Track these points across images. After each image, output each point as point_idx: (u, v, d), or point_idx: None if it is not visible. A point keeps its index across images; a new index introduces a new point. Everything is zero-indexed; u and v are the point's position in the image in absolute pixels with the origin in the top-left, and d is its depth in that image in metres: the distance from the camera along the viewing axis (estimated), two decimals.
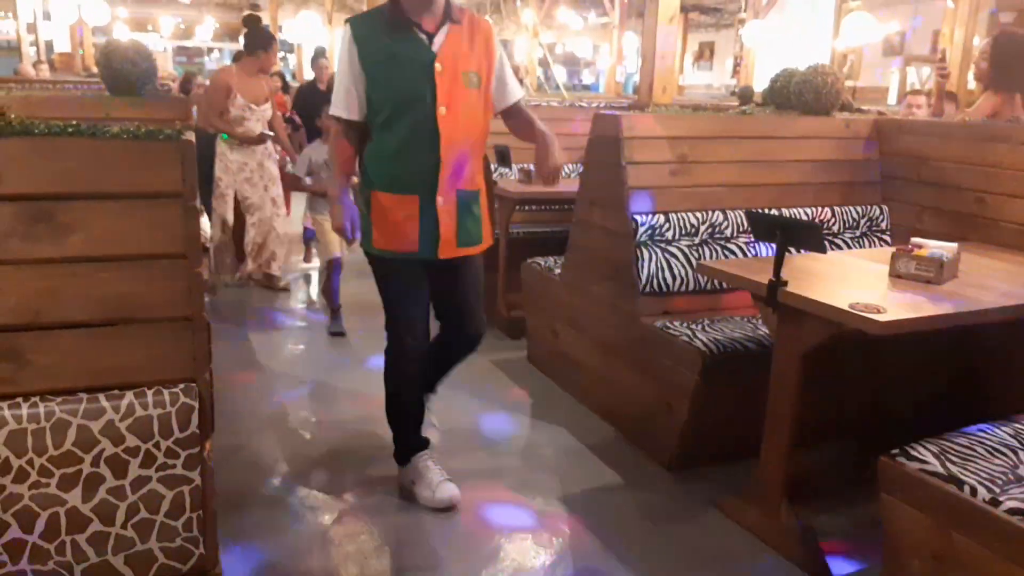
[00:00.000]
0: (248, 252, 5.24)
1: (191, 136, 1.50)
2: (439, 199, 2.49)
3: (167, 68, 16.11)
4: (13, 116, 1.39)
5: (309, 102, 6.59)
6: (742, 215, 3.26)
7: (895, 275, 2.55)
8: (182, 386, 1.43)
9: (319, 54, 7.91)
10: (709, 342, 2.81)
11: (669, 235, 3.20)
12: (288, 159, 5.47)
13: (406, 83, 2.42)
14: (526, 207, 4.63)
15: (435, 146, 2.43)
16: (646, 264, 3.12)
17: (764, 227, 2.59)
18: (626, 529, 2.61)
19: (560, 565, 2.41)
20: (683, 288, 3.19)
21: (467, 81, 2.48)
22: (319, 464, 2.97)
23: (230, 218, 5.17)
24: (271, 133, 5.07)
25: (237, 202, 5.17)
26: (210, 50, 23.80)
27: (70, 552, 1.36)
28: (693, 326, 2.97)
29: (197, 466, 1.42)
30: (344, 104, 2.49)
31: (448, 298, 2.72)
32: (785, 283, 2.34)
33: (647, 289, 3.13)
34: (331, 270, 4.42)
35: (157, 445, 1.39)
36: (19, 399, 1.36)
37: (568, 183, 4.33)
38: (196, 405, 1.42)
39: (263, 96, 5.03)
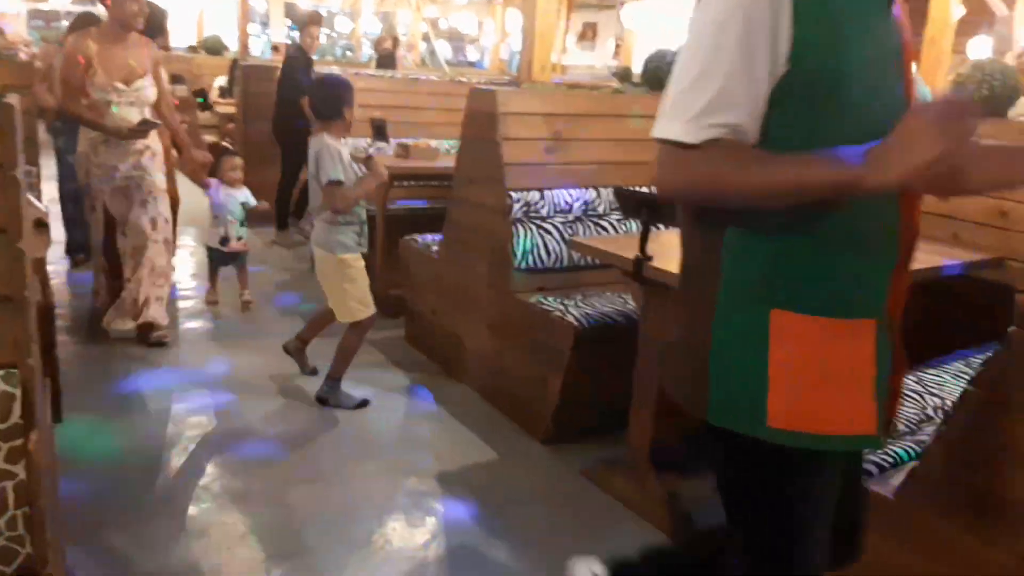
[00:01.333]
0: (124, 294, 3.71)
1: (14, 99, 1.36)
2: (893, 316, 1.28)
3: (21, 33, 14.81)
4: None
5: (294, 77, 5.49)
6: (613, 193, 3.32)
7: None
8: (1, 372, 1.31)
9: (313, 20, 5.95)
10: (581, 317, 2.85)
11: (544, 212, 3.22)
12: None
13: (879, 72, 1.19)
14: (404, 183, 4.55)
15: (895, 198, 1.20)
16: (521, 241, 3.13)
17: (631, 204, 2.64)
18: (499, 504, 2.62)
19: (433, 543, 2.40)
20: (558, 264, 3.22)
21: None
22: (178, 453, 2.83)
23: (98, 240, 3.88)
24: (156, 122, 3.70)
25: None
26: (70, 14, 22.03)
27: None
28: (567, 301, 3.01)
29: (21, 459, 1.30)
30: (736, 98, 1.13)
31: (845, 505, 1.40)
32: (650, 258, 2.40)
33: (523, 265, 3.14)
34: (362, 331, 3.26)
35: None
36: None
37: (446, 159, 4.30)
38: (18, 393, 1.30)
39: (139, 69, 3.62)
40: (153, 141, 3.74)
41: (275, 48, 11.80)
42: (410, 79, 5.83)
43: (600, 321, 2.86)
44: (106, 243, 3.85)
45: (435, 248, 3.74)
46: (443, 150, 4.56)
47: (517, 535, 2.45)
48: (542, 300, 3.03)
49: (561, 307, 2.94)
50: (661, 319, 2.47)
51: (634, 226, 3.31)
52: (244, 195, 4.30)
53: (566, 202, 3.26)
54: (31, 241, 1.47)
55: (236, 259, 4.35)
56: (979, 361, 2.53)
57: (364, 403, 3.25)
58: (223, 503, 2.52)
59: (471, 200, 3.42)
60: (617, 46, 12.88)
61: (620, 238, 3.12)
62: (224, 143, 4.97)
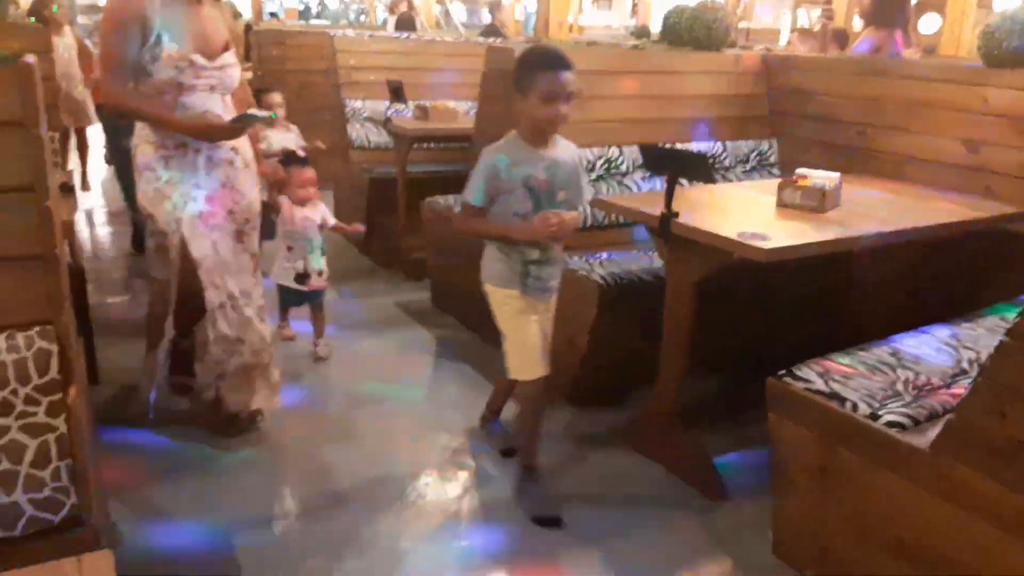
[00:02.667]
0: (205, 365, 2.59)
1: (31, 59, 1.35)
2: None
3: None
4: None
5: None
6: (637, 150, 3.27)
7: (781, 205, 2.62)
8: (38, 329, 1.32)
9: None
10: (606, 275, 2.83)
11: None
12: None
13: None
14: (423, 145, 4.52)
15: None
16: None
17: (655, 159, 2.61)
18: None
19: (465, 498, 2.42)
20: (582, 224, 3.18)
21: None
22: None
23: (167, 280, 2.65)
24: (262, 114, 2.56)
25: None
26: None
27: None
28: (591, 260, 2.99)
29: (61, 413, 1.32)
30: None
31: None
32: (676, 214, 2.37)
33: None
34: (527, 401, 2.45)
35: (15, 392, 1.28)
36: None
37: (466, 120, 4.26)
38: (54, 348, 1.31)
39: (218, 39, 2.48)
40: (243, 144, 2.58)
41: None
42: (427, 41, 5.76)
43: (625, 279, 2.84)
44: (182, 310, 2.66)
45: (457, 209, 3.71)
46: (462, 111, 4.51)
47: (547, 489, 2.46)
48: (567, 260, 3.01)
49: (586, 266, 2.92)
50: (688, 274, 2.44)
51: (658, 184, 3.28)
52: (321, 213, 3.24)
53: (588, 161, 3.22)
54: (57, 202, 1.47)
55: (314, 298, 3.32)
56: (1014, 314, 2.49)
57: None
58: (259, 458, 2.55)
59: None
60: (634, 5, 12.67)
61: (644, 195, 3.08)
62: (294, 149, 3.79)
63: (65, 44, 5.89)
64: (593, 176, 3.24)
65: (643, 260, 3.03)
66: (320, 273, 3.25)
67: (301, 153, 3.59)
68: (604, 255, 3.08)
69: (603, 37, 9.02)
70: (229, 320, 2.49)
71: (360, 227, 3.51)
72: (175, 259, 2.48)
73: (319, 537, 2.20)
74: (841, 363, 2.16)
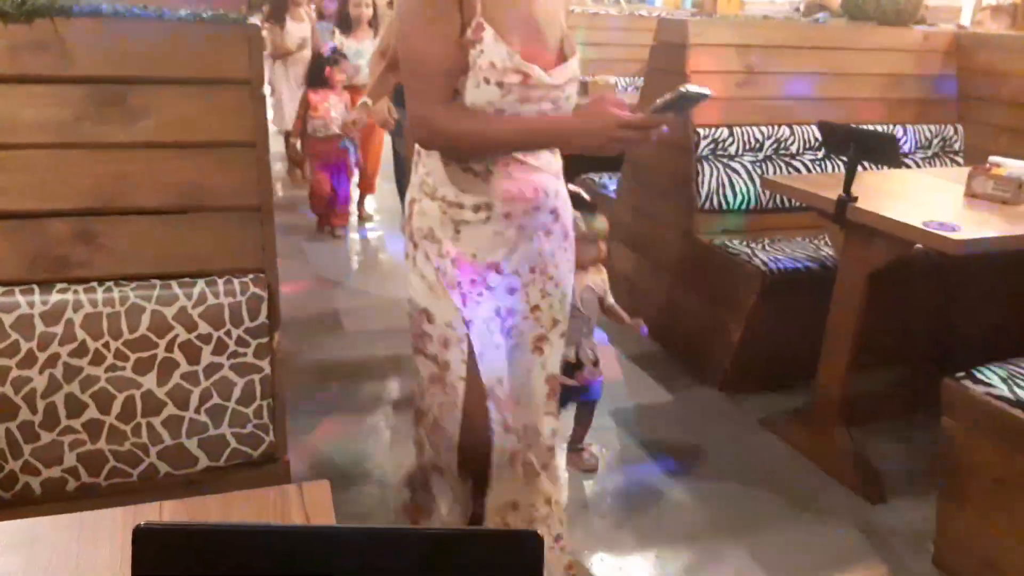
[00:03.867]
0: None
1: (256, 19, 1.45)
2: None
3: None
4: None
5: None
6: (810, 130, 3.13)
7: (970, 195, 2.44)
8: (251, 276, 1.43)
9: None
10: (769, 261, 2.75)
11: (732, 150, 3.09)
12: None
13: None
14: None
15: None
16: (707, 180, 3.03)
17: (837, 138, 2.49)
18: (675, 445, 2.61)
19: (609, 478, 2.44)
20: (744, 206, 3.10)
21: None
22: (377, 365, 3.01)
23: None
24: (701, 89, 1.46)
25: None
26: None
27: (146, 434, 1.39)
28: (753, 245, 2.90)
29: (267, 356, 1.43)
30: None
31: None
32: (855, 199, 2.26)
33: (706, 206, 3.05)
34: None
35: (228, 333, 1.40)
36: (94, 283, 1.38)
37: (627, 96, 4.21)
38: (265, 296, 1.42)
39: (556, 34, 1.54)
40: (565, 204, 1.72)
41: None
42: (589, 14, 5.72)
43: (790, 267, 2.74)
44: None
45: (612, 187, 3.70)
46: (620, 87, 4.47)
47: (693, 476, 2.44)
48: (727, 243, 2.94)
49: (747, 251, 2.84)
50: (863, 264, 2.33)
51: (830, 166, 3.13)
52: (603, 280, 2.40)
53: (756, 140, 3.12)
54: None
55: (585, 395, 2.45)
56: None
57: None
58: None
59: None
60: None
61: (818, 177, 2.95)
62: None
63: (297, 30, 5.40)
64: (760, 156, 3.13)
65: (808, 247, 2.91)
66: (595, 363, 2.41)
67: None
68: (766, 240, 2.98)
69: (768, 12, 8.63)
70: (515, 475, 1.72)
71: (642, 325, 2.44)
72: (455, 386, 1.64)
73: None
74: None
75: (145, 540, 0.53)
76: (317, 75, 4.41)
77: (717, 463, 2.53)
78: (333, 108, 4.34)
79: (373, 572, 0.53)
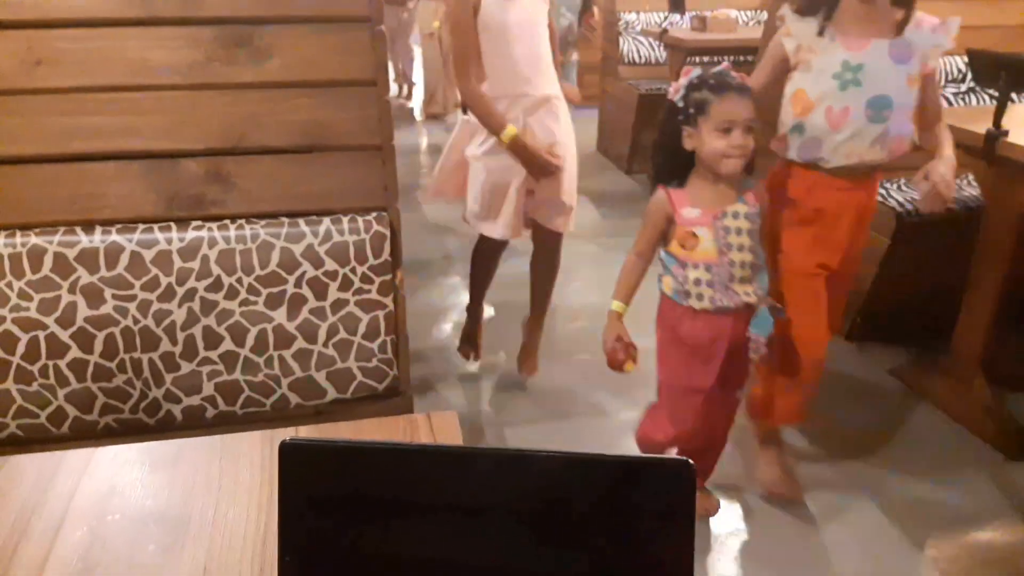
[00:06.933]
0: None
1: None
2: None
3: None
4: None
5: None
6: (953, 61, 2.88)
7: None
8: (375, 214, 1.44)
9: None
10: (905, 202, 2.57)
11: None
12: None
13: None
14: (700, 59, 4.32)
15: None
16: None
17: (987, 67, 2.27)
18: None
19: (737, 430, 2.37)
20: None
21: None
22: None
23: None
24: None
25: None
26: None
27: (278, 366, 1.45)
28: (887, 184, 2.71)
29: (390, 293, 1.45)
30: None
31: None
32: (1006, 132, 2.07)
33: None
34: None
35: (353, 270, 1.43)
36: (226, 221, 1.42)
37: (745, 31, 4.01)
38: (388, 234, 1.44)
39: None
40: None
41: None
42: None
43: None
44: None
45: None
46: (742, 22, 4.24)
47: (825, 432, 2.35)
48: None
49: (882, 191, 2.66)
50: (1014, 205, 2.14)
51: (975, 99, 2.88)
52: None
53: None
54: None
55: None
56: None
57: None
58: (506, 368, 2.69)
59: None
60: None
61: (962, 110, 2.72)
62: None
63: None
64: None
65: None
66: None
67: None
68: (902, 180, 2.78)
69: None
70: None
71: None
72: None
73: None
74: None
75: (291, 454, 0.54)
76: None
77: (847, 414, 2.42)
78: None
79: (517, 495, 0.52)
